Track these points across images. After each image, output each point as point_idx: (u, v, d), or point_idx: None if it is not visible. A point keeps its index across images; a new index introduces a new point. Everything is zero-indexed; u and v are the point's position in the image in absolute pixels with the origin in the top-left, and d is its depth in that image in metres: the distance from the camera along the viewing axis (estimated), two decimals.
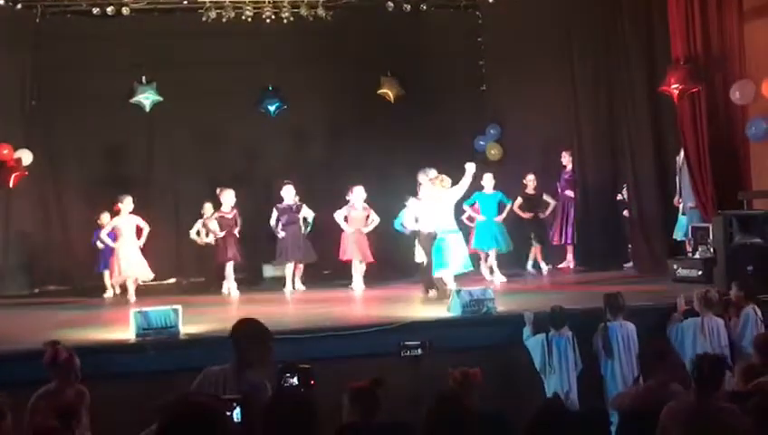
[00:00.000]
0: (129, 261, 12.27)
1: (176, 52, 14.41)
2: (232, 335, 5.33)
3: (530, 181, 13.76)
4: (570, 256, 14.02)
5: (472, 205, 13.07)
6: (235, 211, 12.96)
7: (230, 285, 12.79)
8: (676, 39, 11.75)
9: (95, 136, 14.37)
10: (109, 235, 12.52)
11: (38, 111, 14.13)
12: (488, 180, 13.12)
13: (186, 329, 8.81)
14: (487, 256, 13.05)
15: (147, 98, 14.18)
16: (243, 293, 12.70)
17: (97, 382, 6.94)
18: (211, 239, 13.09)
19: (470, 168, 11.19)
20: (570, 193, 13.95)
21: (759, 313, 8.69)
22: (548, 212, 13.87)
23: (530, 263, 13.75)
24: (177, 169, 14.68)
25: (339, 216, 12.76)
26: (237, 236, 12.93)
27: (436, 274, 11.08)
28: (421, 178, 11.57)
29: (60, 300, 12.55)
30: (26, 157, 13.59)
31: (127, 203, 12.40)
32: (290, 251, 12.83)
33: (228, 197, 12.91)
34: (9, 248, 13.72)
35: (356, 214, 12.81)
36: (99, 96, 14.11)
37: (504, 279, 12.62)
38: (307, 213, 12.93)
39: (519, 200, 13.62)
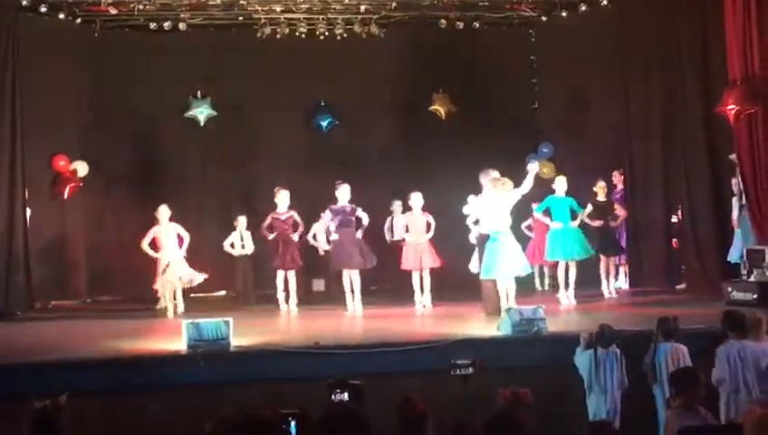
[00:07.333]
0: (172, 267, 12.04)
1: (231, 67, 14.59)
2: None
3: (600, 189, 12.78)
4: (621, 276, 13.85)
5: (543, 210, 12.21)
6: (292, 214, 12.27)
7: (279, 296, 12.17)
8: (733, 59, 11.59)
9: (150, 149, 14.57)
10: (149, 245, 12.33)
11: (94, 124, 14.37)
12: (560, 183, 12.11)
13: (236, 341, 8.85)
14: (557, 266, 12.17)
15: (201, 112, 14.38)
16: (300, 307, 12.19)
17: (149, 393, 7.01)
18: (248, 250, 13.03)
19: (533, 167, 10.93)
20: (620, 213, 13.76)
21: None
22: (618, 222, 13.17)
23: (604, 281, 12.56)
24: (230, 182, 14.82)
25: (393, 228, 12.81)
26: (296, 241, 12.28)
27: (484, 277, 10.72)
28: (483, 179, 10.94)
29: (113, 308, 12.69)
30: (81, 168, 13.86)
31: (163, 212, 12.18)
32: (346, 257, 11.77)
33: (283, 197, 12.23)
34: (64, 258, 13.93)
35: (413, 220, 12.22)
36: (154, 109, 14.36)
37: (573, 302, 11.78)
38: (362, 215, 11.97)
39: (589, 208, 12.61)
